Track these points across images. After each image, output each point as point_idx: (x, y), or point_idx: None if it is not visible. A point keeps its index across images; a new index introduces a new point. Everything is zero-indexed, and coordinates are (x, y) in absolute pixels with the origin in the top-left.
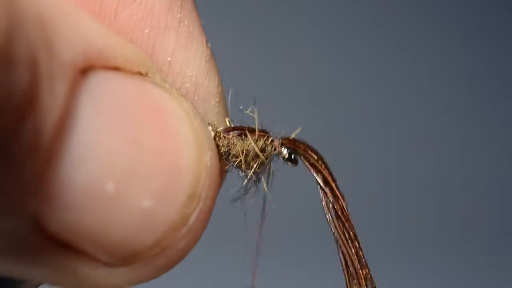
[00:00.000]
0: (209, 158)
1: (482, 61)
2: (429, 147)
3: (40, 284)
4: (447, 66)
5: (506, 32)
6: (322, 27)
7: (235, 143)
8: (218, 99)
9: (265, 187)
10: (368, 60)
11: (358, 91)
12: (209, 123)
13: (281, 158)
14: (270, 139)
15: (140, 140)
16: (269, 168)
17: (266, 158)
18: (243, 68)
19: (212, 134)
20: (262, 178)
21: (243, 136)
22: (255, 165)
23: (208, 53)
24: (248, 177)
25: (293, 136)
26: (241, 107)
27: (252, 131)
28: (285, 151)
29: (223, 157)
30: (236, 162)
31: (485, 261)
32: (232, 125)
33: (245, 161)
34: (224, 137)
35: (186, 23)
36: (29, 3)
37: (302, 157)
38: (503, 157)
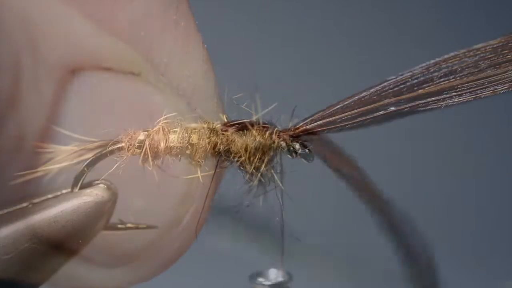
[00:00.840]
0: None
1: None
2: (429, 145)
3: (38, 286)
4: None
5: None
6: (321, 15)
7: (234, 140)
8: (216, 100)
9: (280, 184)
10: (372, 50)
11: (361, 82)
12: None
13: (286, 151)
14: (275, 130)
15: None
16: (279, 164)
17: (273, 153)
18: (239, 67)
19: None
20: (274, 176)
21: (244, 131)
22: (261, 163)
23: (205, 54)
24: (254, 177)
25: (301, 123)
26: (233, 97)
27: (253, 124)
28: (297, 145)
29: (223, 156)
30: (238, 161)
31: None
32: (229, 120)
33: (248, 159)
34: (223, 134)
35: (182, 24)
36: (15, 6)
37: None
38: (504, 156)
